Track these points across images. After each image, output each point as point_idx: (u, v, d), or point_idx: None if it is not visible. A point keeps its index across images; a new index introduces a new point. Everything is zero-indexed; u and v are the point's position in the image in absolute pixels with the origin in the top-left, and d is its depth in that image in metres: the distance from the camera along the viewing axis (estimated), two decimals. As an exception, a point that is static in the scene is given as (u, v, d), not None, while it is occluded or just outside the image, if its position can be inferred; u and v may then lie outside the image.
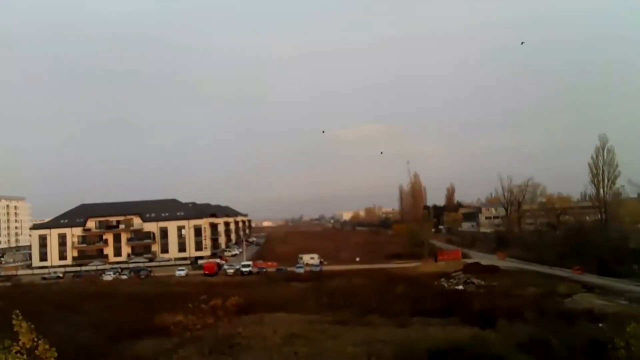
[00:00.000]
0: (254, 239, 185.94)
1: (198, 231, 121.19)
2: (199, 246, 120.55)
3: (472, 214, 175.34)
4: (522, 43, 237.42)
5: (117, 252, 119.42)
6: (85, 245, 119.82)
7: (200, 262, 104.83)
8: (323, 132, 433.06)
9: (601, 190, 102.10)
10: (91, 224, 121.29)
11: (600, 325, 36.93)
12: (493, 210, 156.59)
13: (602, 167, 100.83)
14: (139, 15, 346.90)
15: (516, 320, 39.67)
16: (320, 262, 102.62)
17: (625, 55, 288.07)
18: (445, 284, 69.07)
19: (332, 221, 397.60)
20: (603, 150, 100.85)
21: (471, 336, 25.68)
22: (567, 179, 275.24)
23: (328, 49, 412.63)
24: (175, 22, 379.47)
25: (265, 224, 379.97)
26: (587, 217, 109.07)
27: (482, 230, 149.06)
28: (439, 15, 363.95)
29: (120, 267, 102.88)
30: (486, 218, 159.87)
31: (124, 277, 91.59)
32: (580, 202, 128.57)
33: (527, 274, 75.79)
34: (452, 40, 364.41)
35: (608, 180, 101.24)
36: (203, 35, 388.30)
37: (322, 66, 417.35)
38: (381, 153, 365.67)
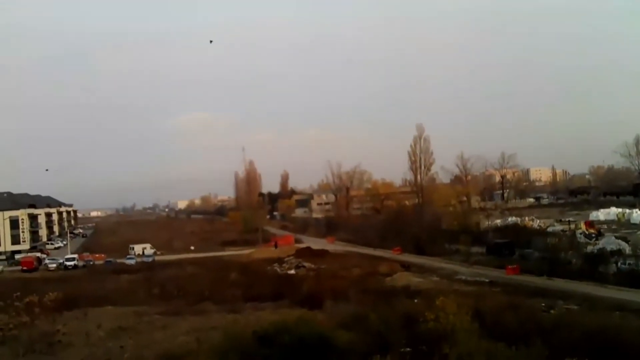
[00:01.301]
0: (81, 231, 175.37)
1: (15, 223, 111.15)
2: (16, 240, 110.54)
3: (305, 201, 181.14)
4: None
5: None
6: None
7: (18, 256, 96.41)
8: None
9: (418, 176, 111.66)
10: None
11: (415, 300, 40.42)
12: (324, 196, 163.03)
13: (420, 155, 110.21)
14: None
15: (341, 299, 42.17)
16: (154, 252, 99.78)
17: (437, 55, 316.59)
18: (278, 269, 70.76)
19: (166, 210, 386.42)
20: (420, 139, 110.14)
21: (297, 317, 26.85)
22: (391, 166, 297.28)
23: (163, 36, 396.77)
24: None
25: (94, 214, 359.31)
26: (407, 202, 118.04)
27: (315, 215, 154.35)
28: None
29: None
30: (318, 204, 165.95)
31: None
32: (401, 188, 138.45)
33: (353, 256, 79.82)
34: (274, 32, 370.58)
35: (424, 167, 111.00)
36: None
37: (159, 51, 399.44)
38: None
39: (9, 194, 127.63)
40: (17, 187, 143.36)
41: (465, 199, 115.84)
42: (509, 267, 57.51)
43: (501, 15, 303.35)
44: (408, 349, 24.20)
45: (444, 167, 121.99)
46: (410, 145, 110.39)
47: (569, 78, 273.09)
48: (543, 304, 38.65)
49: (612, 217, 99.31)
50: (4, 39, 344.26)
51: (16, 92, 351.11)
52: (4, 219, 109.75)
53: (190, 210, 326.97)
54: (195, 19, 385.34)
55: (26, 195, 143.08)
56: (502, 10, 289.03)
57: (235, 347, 21.73)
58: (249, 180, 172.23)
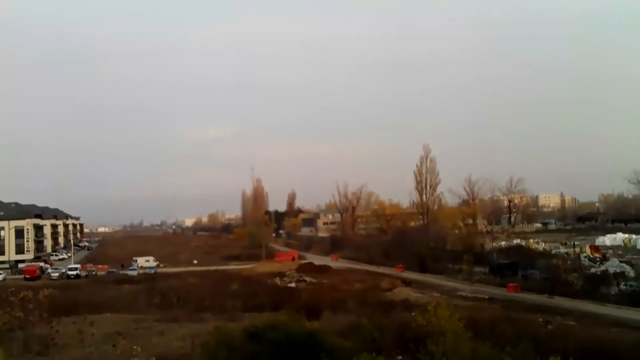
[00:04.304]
0: (86, 243, 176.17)
1: (20, 233, 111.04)
2: (20, 249, 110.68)
3: (311, 220, 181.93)
4: None
5: None
6: None
7: (21, 265, 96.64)
8: None
9: (424, 196, 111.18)
10: None
11: (413, 314, 40.32)
12: (330, 216, 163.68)
13: (425, 175, 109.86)
14: None
15: (340, 311, 42.09)
16: (157, 264, 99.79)
17: (445, 78, 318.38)
18: (279, 282, 70.81)
19: (174, 227, 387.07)
20: (426, 160, 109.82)
21: (287, 316, 26.88)
22: (399, 187, 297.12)
23: (172, 45, 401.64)
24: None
25: (101, 229, 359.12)
26: (413, 222, 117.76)
27: (320, 235, 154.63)
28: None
29: None
30: (324, 223, 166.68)
31: None
32: (408, 209, 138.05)
33: (355, 272, 79.79)
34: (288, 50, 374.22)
35: (430, 187, 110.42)
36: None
37: (168, 62, 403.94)
38: None
39: (16, 204, 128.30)
40: (26, 199, 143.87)
41: (471, 221, 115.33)
42: (510, 285, 57.26)
43: (513, 40, 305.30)
44: (400, 356, 24.18)
45: (451, 190, 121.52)
46: (417, 165, 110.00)
47: (580, 105, 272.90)
48: (541, 319, 38.48)
49: (619, 242, 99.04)
50: (10, 44, 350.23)
51: (24, 100, 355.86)
52: (9, 228, 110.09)
53: (197, 228, 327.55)
54: (206, 29, 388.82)
55: (33, 206, 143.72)
56: (512, 34, 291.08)
57: (224, 343, 21.72)
58: (256, 198, 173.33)
